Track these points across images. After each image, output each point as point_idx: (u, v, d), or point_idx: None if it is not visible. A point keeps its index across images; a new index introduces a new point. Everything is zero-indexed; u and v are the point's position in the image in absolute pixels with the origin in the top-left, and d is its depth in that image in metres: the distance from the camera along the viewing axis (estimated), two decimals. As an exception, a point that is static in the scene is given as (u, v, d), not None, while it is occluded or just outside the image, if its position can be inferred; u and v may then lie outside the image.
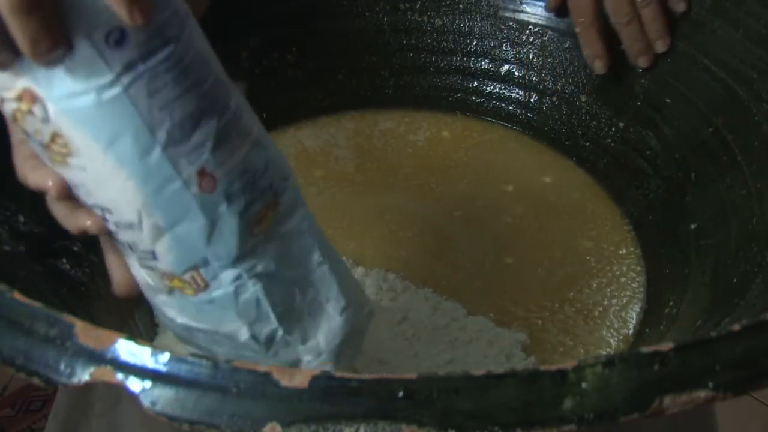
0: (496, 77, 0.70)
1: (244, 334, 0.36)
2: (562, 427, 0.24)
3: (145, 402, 0.25)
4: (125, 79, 0.29)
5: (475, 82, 0.70)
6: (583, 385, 0.24)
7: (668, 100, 0.59)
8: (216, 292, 0.34)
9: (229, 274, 0.34)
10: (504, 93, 0.70)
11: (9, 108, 0.31)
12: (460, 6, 0.69)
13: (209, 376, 0.25)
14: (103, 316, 0.45)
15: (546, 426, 0.24)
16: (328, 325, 0.38)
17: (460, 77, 0.71)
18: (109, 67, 0.29)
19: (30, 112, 0.30)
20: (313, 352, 0.38)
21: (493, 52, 0.69)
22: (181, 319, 0.37)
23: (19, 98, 0.30)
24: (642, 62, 0.60)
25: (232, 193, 0.33)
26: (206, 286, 0.34)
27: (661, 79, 0.60)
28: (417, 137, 0.68)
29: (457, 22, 0.70)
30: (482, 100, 0.70)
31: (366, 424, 0.24)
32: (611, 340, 0.51)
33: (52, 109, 0.30)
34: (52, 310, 0.27)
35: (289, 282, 0.36)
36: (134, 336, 0.26)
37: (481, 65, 0.70)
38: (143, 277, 0.35)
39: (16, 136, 0.34)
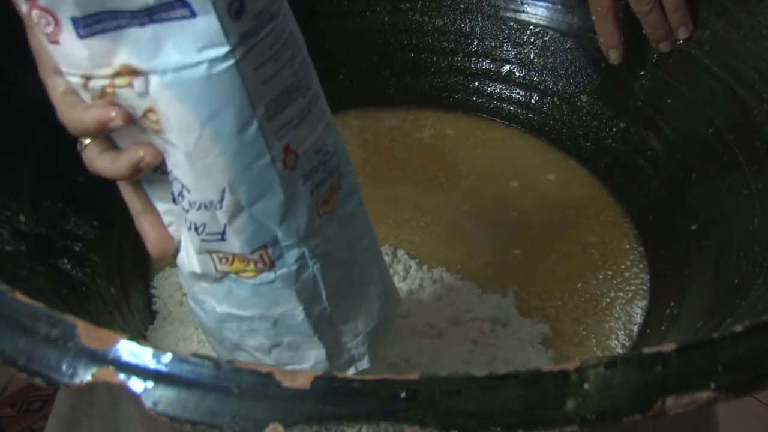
0: (497, 77, 0.70)
1: (300, 314, 0.36)
2: (565, 427, 0.24)
3: (147, 402, 0.25)
4: (238, 53, 0.29)
5: (476, 83, 0.70)
6: (586, 386, 0.24)
7: (669, 101, 0.59)
8: (280, 272, 0.35)
9: (294, 254, 0.35)
10: (505, 93, 0.70)
11: (98, 84, 0.30)
12: (461, 6, 0.69)
13: (211, 376, 0.25)
14: (104, 316, 0.45)
15: (548, 427, 0.24)
16: (368, 308, 0.39)
17: (461, 77, 0.71)
18: (227, 39, 0.29)
19: (128, 86, 0.30)
20: (352, 333, 0.39)
21: (494, 53, 0.69)
22: (222, 308, 0.37)
23: (117, 74, 0.30)
24: (663, 47, 0.60)
25: (307, 171, 0.33)
26: (272, 265, 0.35)
27: (662, 79, 0.60)
28: (422, 134, 0.69)
29: (458, 22, 0.70)
30: (483, 100, 0.70)
31: (368, 425, 0.24)
32: (620, 333, 0.52)
33: (155, 82, 0.29)
34: (54, 310, 0.27)
35: (340, 263, 0.37)
36: (136, 336, 0.26)
37: (482, 65, 0.70)
38: (193, 263, 0.35)
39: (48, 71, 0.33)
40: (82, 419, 0.56)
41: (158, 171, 0.34)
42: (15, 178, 0.46)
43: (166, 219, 0.36)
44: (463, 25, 0.70)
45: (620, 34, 0.61)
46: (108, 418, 0.54)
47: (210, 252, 0.35)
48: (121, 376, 0.25)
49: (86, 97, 0.32)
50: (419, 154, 0.67)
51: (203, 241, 0.34)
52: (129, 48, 0.29)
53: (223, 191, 0.32)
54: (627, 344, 0.51)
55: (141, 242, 0.56)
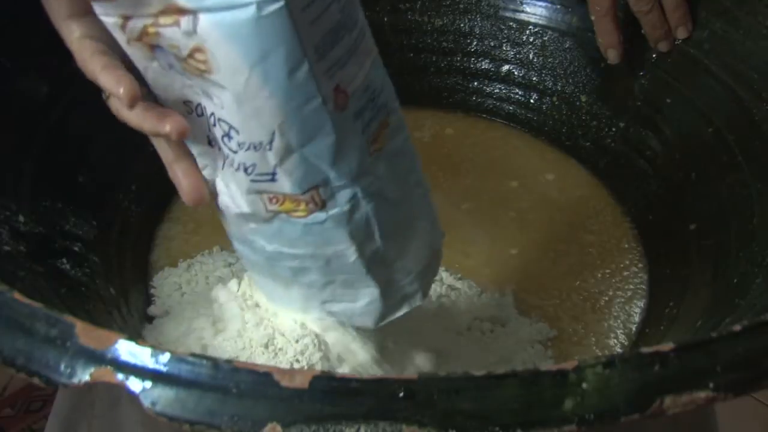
0: (496, 77, 0.70)
1: (352, 254, 0.36)
2: (563, 427, 0.24)
3: (146, 402, 0.25)
4: None
5: (476, 82, 0.70)
6: (584, 385, 0.24)
7: (668, 100, 0.59)
8: (332, 212, 0.34)
9: (346, 193, 0.34)
10: (504, 93, 0.70)
11: (138, 24, 0.30)
12: (461, 6, 0.69)
13: (210, 376, 0.25)
14: (103, 316, 0.45)
15: (546, 427, 0.24)
16: (419, 245, 0.39)
17: (460, 77, 0.71)
18: None
19: (173, 24, 0.29)
20: (404, 271, 0.39)
21: (493, 52, 0.69)
22: (272, 247, 0.37)
23: (162, 12, 0.29)
24: (662, 47, 0.60)
25: (358, 110, 0.33)
26: (323, 205, 0.34)
27: (661, 79, 0.60)
28: (422, 134, 0.69)
29: (457, 22, 0.70)
30: (482, 99, 0.70)
31: (366, 425, 0.24)
32: (619, 331, 0.52)
33: (204, 21, 0.29)
34: (53, 310, 0.27)
35: (391, 201, 0.36)
36: (134, 336, 0.26)
37: (481, 65, 0.70)
38: (241, 204, 0.35)
39: (76, 36, 0.33)
40: (82, 419, 0.56)
41: (193, 113, 0.33)
42: (14, 177, 0.46)
43: (200, 162, 0.35)
44: (462, 25, 0.70)
45: (619, 33, 0.61)
46: (107, 418, 0.54)
47: (260, 192, 0.34)
48: (120, 376, 0.25)
49: (121, 38, 0.31)
50: (419, 153, 0.67)
51: (253, 181, 0.34)
52: None
53: (273, 133, 0.31)
54: (626, 343, 0.51)
55: (140, 242, 0.56)
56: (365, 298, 0.39)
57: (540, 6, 0.67)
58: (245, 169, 0.33)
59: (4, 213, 0.43)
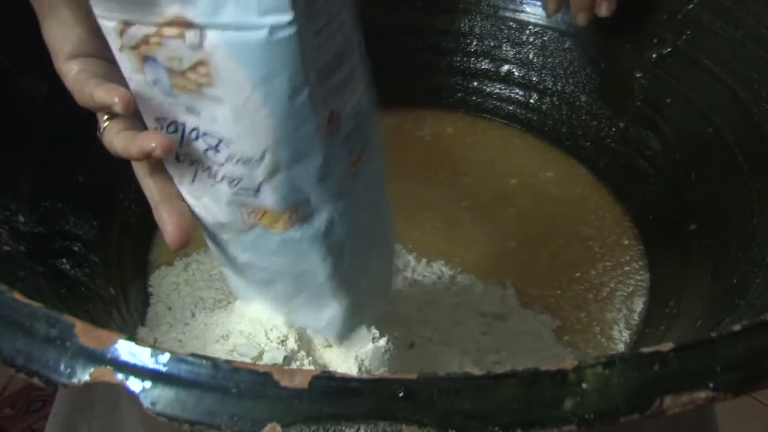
0: (496, 77, 0.70)
1: (322, 274, 0.37)
2: (563, 427, 0.24)
3: (145, 402, 0.25)
4: (301, 20, 0.28)
5: (476, 82, 0.70)
6: (584, 385, 0.24)
7: (668, 100, 0.59)
8: (309, 231, 0.35)
9: (324, 214, 0.35)
10: (504, 93, 0.70)
11: (140, 32, 0.30)
12: (461, 6, 0.69)
13: (209, 376, 0.25)
14: (103, 316, 0.45)
15: (546, 427, 0.24)
16: (382, 265, 0.40)
17: (460, 77, 0.71)
18: (292, 5, 0.28)
19: (178, 37, 0.29)
20: (365, 292, 0.39)
21: (493, 52, 0.69)
22: (244, 257, 0.37)
23: (169, 23, 0.29)
24: (580, 19, 0.60)
25: (347, 134, 0.33)
26: (302, 223, 0.35)
27: (661, 79, 0.60)
28: (423, 133, 0.69)
29: (457, 22, 0.70)
30: (482, 99, 0.70)
31: (366, 425, 0.24)
32: (621, 324, 0.52)
33: (211, 37, 0.29)
34: (53, 310, 0.27)
35: (363, 222, 0.37)
36: (134, 336, 0.26)
37: (481, 65, 0.70)
38: (219, 214, 0.35)
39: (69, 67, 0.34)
40: (82, 419, 0.56)
41: (163, 131, 0.33)
42: (14, 177, 0.46)
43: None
44: (462, 24, 0.70)
45: None
46: (107, 418, 0.54)
47: (240, 205, 0.34)
48: (119, 376, 0.25)
49: (115, 43, 0.31)
50: (419, 152, 0.67)
51: (235, 194, 0.34)
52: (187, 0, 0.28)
53: (265, 150, 0.32)
54: (629, 335, 0.51)
55: (140, 242, 0.56)
56: (326, 317, 0.39)
57: (540, 6, 0.67)
58: (230, 182, 0.34)
59: (4, 213, 0.43)
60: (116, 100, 0.32)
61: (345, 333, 0.41)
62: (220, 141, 0.32)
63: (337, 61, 0.31)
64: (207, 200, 0.35)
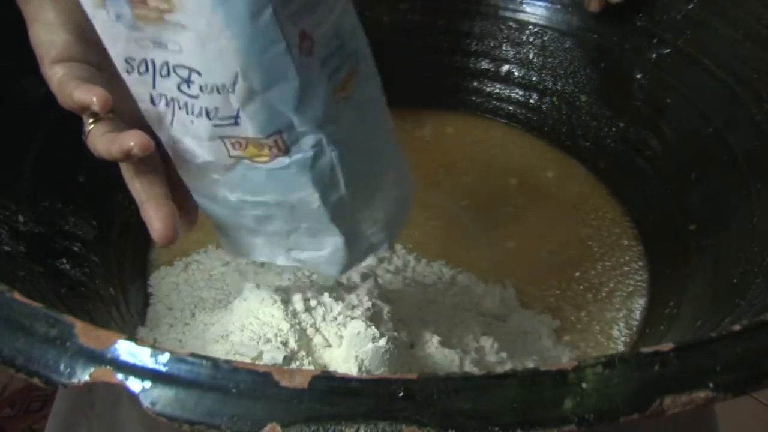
0: (496, 77, 0.70)
1: (315, 201, 0.36)
2: (563, 427, 0.24)
3: (145, 402, 0.25)
4: None
5: (476, 82, 0.70)
6: (584, 385, 0.24)
7: (668, 100, 0.59)
8: (295, 157, 0.34)
9: (310, 139, 0.34)
10: (504, 93, 0.70)
11: None
12: (461, 6, 0.69)
13: (209, 376, 0.25)
14: (103, 316, 0.45)
15: (546, 426, 0.24)
16: (386, 194, 0.39)
17: (460, 77, 0.70)
18: None
19: None
20: (370, 221, 0.39)
21: (493, 52, 0.69)
22: (235, 196, 0.37)
23: None
24: (593, 6, 0.61)
25: (325, 56, 0.33)
26: (287, 150, 0.34)
27: (661, 79, 0.60)
28: (423, 132, 0.69)
29: (457, 22, 0.70)
30: (483, 99, 0.70)
31: (366, 425, 0.24)
32: (621, 324, 0.52)
33: None
34: (52, 310, 0.27)
35: (359, 150, 0.36)
36: (134, 335, 0.26)
37: (481, 65, 0.70)
38: (203, 152, 0.35)
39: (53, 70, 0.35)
40: (82, 420, 0.56)
41: (134, 72, 0.33)
42: (14, 177, 0.46)
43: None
44: (462, 25, 0.70)
45: None
46: (107, 418, 0.54)
47: (222, 137, 0.34)
48: (119, 376, 0.25)
49: None
50: (419, 152, 0.67)
51: (215, 126, 0.34)
52: None
53: (236, 75, 0.31)
54: (629, 335, 0.51)
55: (140, 242, 0.56)
56: (329, 246, 0.38)
57: (540, 6, 0.67)
58: (207, 114, 0.33)
59: (4, 213, 0.43)
60: (94, 99, 0.33)
61: (348, 265, 0.40)
62: (191, 71, 0.32)
63: None
64: (189, 141, 0.35)
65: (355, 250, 0.39)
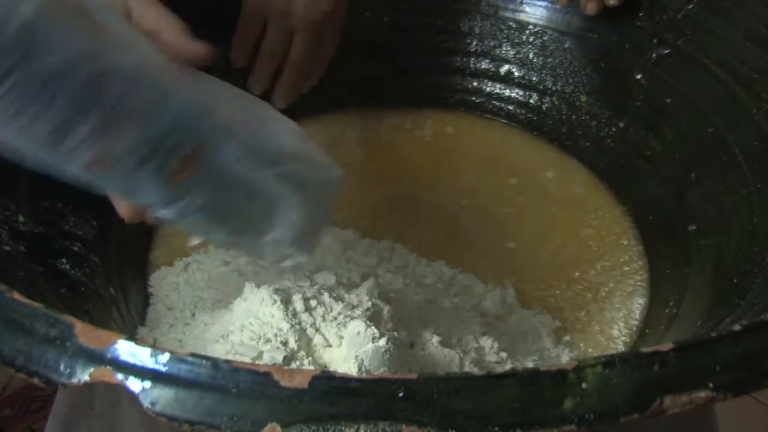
0: (496, 77, 0.70)
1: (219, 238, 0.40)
2: (563, 427, 0.24)
3: (145, 402, 0.25)
4: None
5: (475, 82, 0.70)
6: (584, 385, 0.24)
7: (668, 100, 0.59)
8: (168, 216, 0.37)
9: (166, 212, 0.37)
10: (504, 93, 0.70)
11: None
12: (461, 6, 0.69)
13: (209, 376, 0.25)
14: (103, 316, 0.45)
15: (546, 426, 0.24)
16: (284, 219, 0.40)
17: (460, 77, 0.71)
18: None
19: None
20: (273, 244, 0.41)
21: (493, 52, 0.69)
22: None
23: None
24: (590, 8, 0.62)
25: (138, 161, 0.34)
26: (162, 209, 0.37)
27: (661, 79, 0.60)
28: (423, 132, 0.70)
29: (457, 22, 0.70)
30: (482, 99, 0.70)
31: (366, 425, 0.24)
32: (621, 324, 0.52)
33: None
34: (52, 310, 0.27)
35: (233, 202, 0.38)
36: (134, 335, 0.26)
37: (481, 65, 0.70)
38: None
39: None
40: (82, 420, 0.56)
41: None
42: (14, 177, 0.46)
43: None
44: (462, 24, 0.70)
45: None
46: (107, 418, 0.54)
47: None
48: (119, 376, 0.25)
49: None
50: (419, 152, 0.68)
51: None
52: None
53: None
54: (629, 335, 0.51)
55: (140, 242, 0.56)
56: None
57: (540, 6, 0.67)
58: None
59: (4, 213, 0.43)
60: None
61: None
62: None
63: (63, 129, 0.32)
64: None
65: (270, 257, 0.42)
